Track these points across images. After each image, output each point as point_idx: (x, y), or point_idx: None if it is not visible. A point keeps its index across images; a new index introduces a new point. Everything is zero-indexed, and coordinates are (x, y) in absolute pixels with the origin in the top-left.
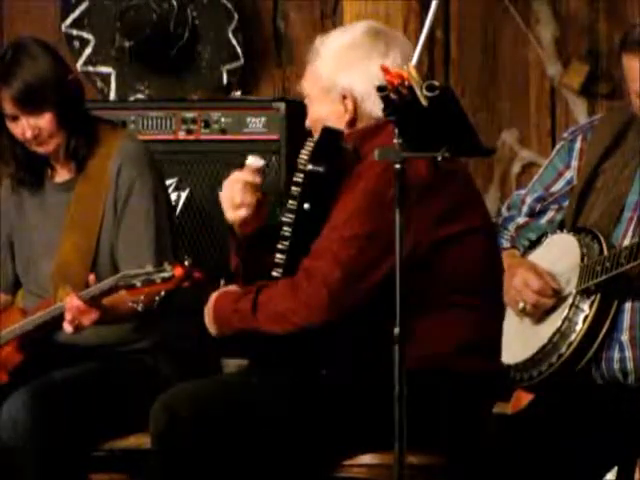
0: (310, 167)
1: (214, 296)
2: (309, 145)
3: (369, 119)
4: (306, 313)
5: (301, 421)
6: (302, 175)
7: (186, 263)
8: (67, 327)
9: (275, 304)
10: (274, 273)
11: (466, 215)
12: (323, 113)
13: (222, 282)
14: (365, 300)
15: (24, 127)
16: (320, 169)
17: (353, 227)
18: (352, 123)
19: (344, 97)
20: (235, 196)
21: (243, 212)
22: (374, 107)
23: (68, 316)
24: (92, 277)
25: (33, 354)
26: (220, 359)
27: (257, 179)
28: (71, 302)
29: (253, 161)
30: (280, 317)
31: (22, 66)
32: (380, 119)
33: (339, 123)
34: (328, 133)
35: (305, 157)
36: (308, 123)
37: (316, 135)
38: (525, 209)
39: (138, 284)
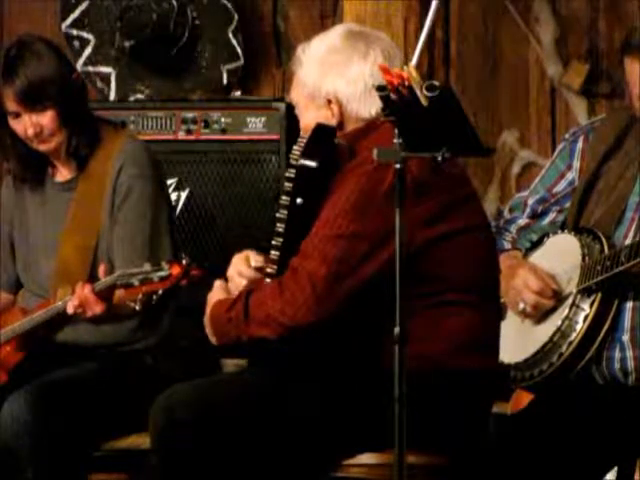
0: (302, 162)
1: (207, 307)
2: (302, 141)
3: (356, 121)
4: (293, 312)
5: (300, 421)
6: (294, 170)
7: (184, 262)
8: (69, 308)
9: (264, 307)
10: (268, 270)
11: (461, 213)
12: (312, 120)
13: (217, 282)
14: (353, 299)
15: (26, 124)
16: (312, 164)
17: (341, 225)
18: (340, 127)
19: (329, 102)
20: (235, 291)
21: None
22: (360, 108)
23: (75, 301)
24: (102, 268)
25: (33, 354)
26: (219, 359)
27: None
28: (82, 289)
29: (256, 263)
30: (269, 319)
31: (26, 63)
32: (369, 119)
33: None
34: (320, 129)
35: (297, 152)
36: (302, 133)
37: None
38: (527, 210)
39: (136, 283)
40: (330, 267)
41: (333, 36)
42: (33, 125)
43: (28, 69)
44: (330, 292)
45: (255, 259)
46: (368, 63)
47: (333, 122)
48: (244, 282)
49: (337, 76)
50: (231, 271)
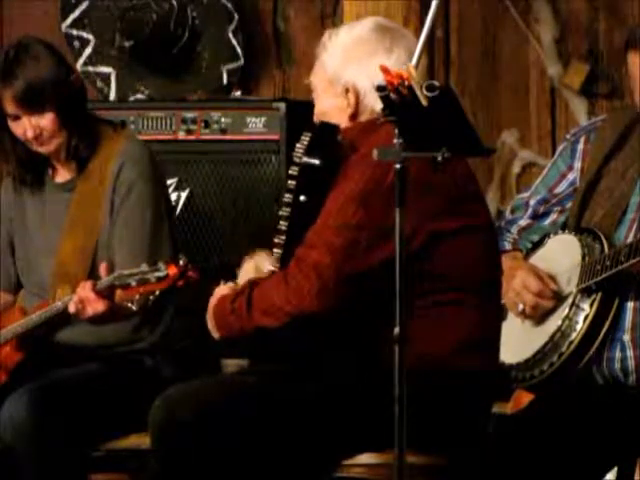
0: (305, 159)
1: (213, 300)
2: (305, 138)
3: (371, 114)
4: (297, 300)
5: (301, 421)
6: (297, 168)
7: (181, 262)
8: (71, 306)
9: (268, 296)
10: (271, 267)
11: (465, 212)
12: (327, 106)
13: (222, 283)
14: (357, 289)
15: (25, 127)
16: (315, 161)
17: (345, 215)
18: (354, 117)
19: (347, 91)
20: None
21: None
22: (376, 102)
23: (75, 298)
24: (104, 266)
25: (32, 354)
26: (220, 359)
27: None
28: (83, 288)
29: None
30: (273, 308)
31: (24, 66)
32: (382, 114)
33: (341, 117)
34: (324, 126)
35: (301, 150)
36: (315, 118)
37: None
38: (528, 211)
39: (133, 283)
40: (335, 256)
41: (361, 27)
42: (32, 127)
43: (27, 72)
44: (334, 281)
45: (269, 265)
46: (391, 60)
47: (348, 112)
48: None
49: (358, 67)
50: (242, 279)
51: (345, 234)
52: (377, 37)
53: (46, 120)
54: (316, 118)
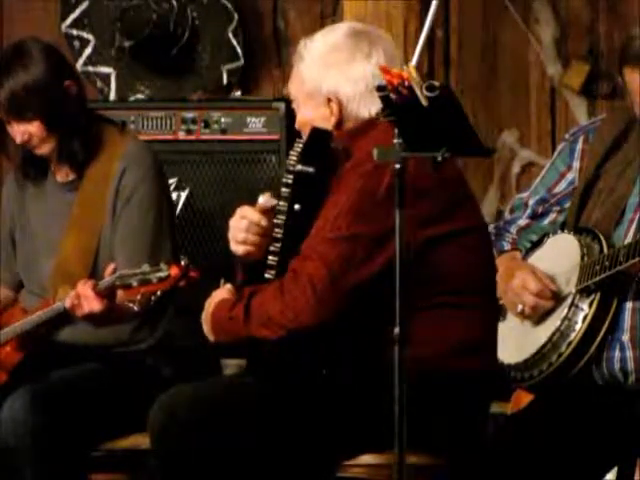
0: (299, 168)
1: (211, 304)
2: (298, 146)
3: (355, 121)
4: (294, 315)
5: (301, 421)
6: (291, 176)
7: (182, 263)
8: (67, 302)
9: (265, 308)
10: (267, 275)
11: (459, 215)
12: (310, 116)
13: (222, 282)
14: (353, 300)
15: (15, 132)
16: (309, 169)
17: (340, 227)
18: (339, 126)
19: (329, 100)
20: (239, 234)
21: (242, 248)
22: (360, 108)
23: (73, 293)
24: (111, 267)
25: (33, 353)
26: (220, 359)
27: (263, 221)
28: (83, 286)
29: (264, 201)
30: (270, 321)
31: (11, 74)
32: (367, 119)
33: (326, 126)
34: (317, 133)
35: (294, 158)
36: (297, 126)
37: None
38: (527, 211)
39: (135, 284)
40: (330, 269)
41: (336, 34)
42: (21, 133)
43: (12, 80)
44: (330, 294)
45: (265, 198)
46: (371, 64)
47: (332, 120)
48: (244, 222)
49: (339, 75)
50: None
51: (340, 246)
52: (354, 42)
53: (33, 127)
54: (298, 127)
